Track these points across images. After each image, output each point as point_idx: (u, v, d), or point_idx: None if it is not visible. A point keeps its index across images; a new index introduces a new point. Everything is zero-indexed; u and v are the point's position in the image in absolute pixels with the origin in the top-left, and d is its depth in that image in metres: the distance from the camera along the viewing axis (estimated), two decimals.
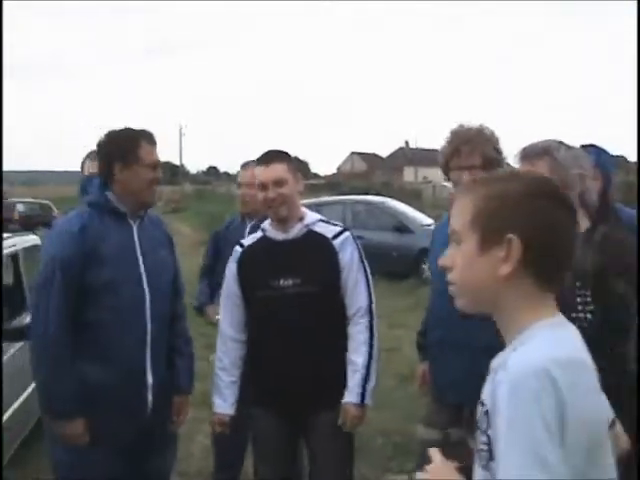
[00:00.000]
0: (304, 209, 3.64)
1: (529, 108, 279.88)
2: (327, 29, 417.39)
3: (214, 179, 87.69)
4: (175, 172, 76.54)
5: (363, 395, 3.46)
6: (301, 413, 3.56)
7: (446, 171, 3.51)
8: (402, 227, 15.78)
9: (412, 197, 28.88)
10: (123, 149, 3.43)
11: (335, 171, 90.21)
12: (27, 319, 5.33)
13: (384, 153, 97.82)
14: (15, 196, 33.62)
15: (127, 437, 3.41)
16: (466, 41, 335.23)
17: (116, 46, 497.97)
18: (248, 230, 4.49)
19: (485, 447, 1.54)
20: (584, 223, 2.97)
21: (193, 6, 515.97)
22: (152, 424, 3.49)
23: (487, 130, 3.47)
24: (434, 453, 1.77)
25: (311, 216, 3.62)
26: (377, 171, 71.64)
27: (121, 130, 3.50)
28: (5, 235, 6.03)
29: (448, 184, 3.61)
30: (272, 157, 3.54)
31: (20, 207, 28.27)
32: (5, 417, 4.65)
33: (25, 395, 5.17)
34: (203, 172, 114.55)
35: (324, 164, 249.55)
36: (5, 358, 4.71)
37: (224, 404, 3.64)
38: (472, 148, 3.38)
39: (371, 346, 3.50)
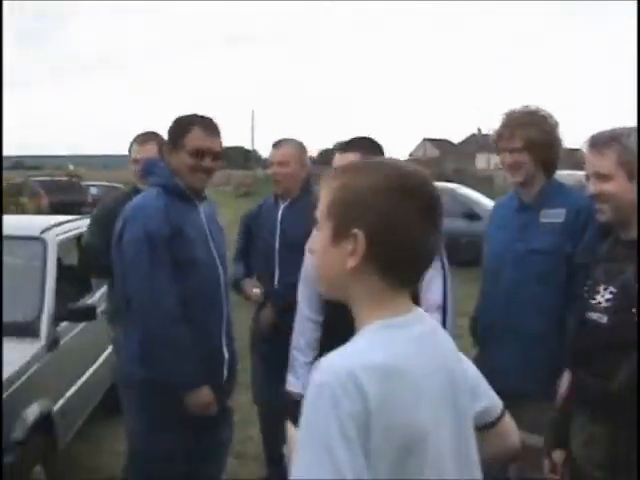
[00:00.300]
0: None
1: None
2: (409, 24, 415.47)
3: None
4: (247, 157, 77.09)
5: None
6: None
7: (498, 153, 3.53)
8: (472, 214, 15.65)
9: (484, 183, 28.54)
10: (173, 134, 3.52)
11: (407, 157, 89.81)
12: (92, 299, 5.49)
13: (456, 139, 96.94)
14: (91, 180, 34.34)
15: None
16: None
17: (197, 34, 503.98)
18: (281, 211, 4.46)
19: None
20: None
21: None
22: (221, 399, 3.60)
23: (535, 113, 3.43)
24: (289, 427, 1.78)
25: None
26: (449, 157, 70.97)
27: (182, 116, 3.55)
28: (72, 217, 6.17)
29: None
30: (350, 146, 3.51)
31: (93, 190, 28.80)
32: (70, 392, 4.78)
33: (91, 371, 5.30)
34: None
35: (396, 150, 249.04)
36: (69, 336, 4.82)
37: (297, 382, 3.61)
38: (512, 131, 3.40)
39: None
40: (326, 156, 61.72)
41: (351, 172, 1.61)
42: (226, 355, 3.62)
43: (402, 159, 2.02)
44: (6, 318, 4.36)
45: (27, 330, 4.33)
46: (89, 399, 5.35)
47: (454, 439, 1.59)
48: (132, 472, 3.63)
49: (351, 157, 3.44)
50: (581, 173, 2.92)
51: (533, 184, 3.44)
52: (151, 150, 4.50)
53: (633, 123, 2.83)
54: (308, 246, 1.59)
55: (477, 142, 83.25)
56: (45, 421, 4.18)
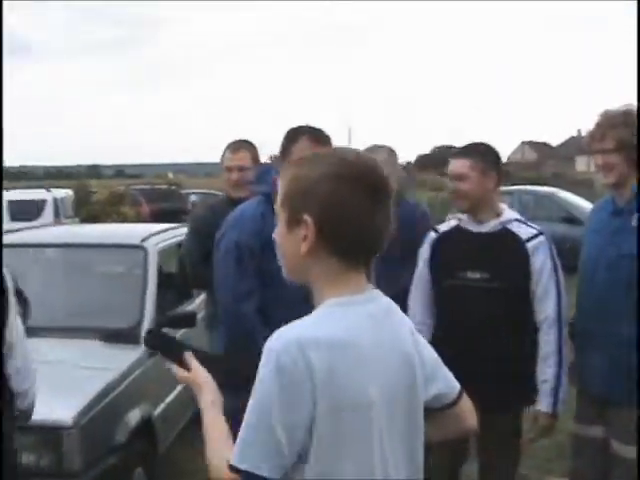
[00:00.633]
0: (504, 206, 3.63)
1: None
2: (514, 25, 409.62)
3: None
4: None
5: (555, 405, 3.42)
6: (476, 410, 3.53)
7: (592, 155, 3.46)
8: (571, 218, 15.28)
9: (583, 187, 27.77)
10: (283, 143, 3.54)
11: (505, 160, 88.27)
12: (191, 306, 5.59)
13: (555, 141, 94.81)
14: (191, 187, 34.95)
15: None
16: None
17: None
18: None
19: None
20: None
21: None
22: None
23: (630, 113, 3.33)
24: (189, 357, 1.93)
25: (508, 214, 3.60)
26: (548, 161, 69.59)
27: (293, 126, 3.58)
28: (172, 225, 6.31)
29: None
30: (461, 152, 3.58)
31: (193, 198, 29.28)
32: (170, 398, 4.89)
33: None
34: None
35: None
36: None
37: None
38: (603, 132, 3.32)
39: (560, 356, 3.43)
40: (423, 161, 61.37)
41: (300, 164, 1.74)
42: None
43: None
44: (108, 325, 4.51)
45: (129, 337, 4.44)
46: (188, 404, 5.43)
47: (405, 415, 1.69)
48: None
49: (466, 163, 3.50)
50: None
51: (626, 186, 3.34)
52: (244, 158, 4.53)
53: None
54: (273, 236, 1.77)
55: (577, 144, 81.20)
56: (146, 425, 4.29)
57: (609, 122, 3.33)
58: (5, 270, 2.11)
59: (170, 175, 51.45)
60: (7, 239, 4.92)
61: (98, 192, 24.42)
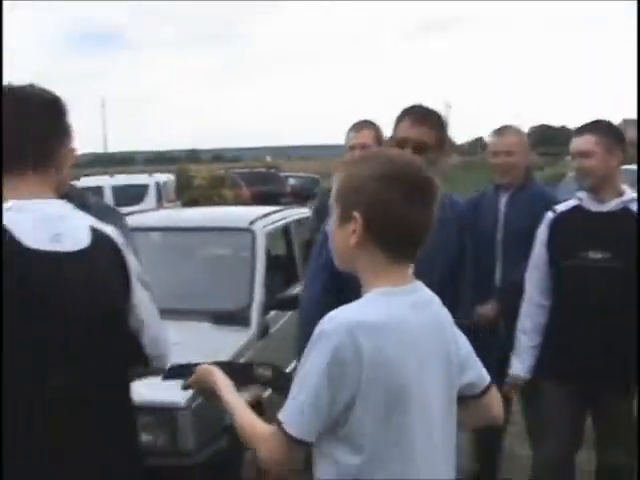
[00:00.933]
0: (625, 186, 3.54)
1: None
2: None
3: (480, 150, 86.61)
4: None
5: None
6: (593, 394, 3.51)
7: None
8: None
9: None
10: (394, 123, 3.48)
11: None
12: (299, 289, 5.58)
13: None
14: (290, 171, 35.17)
15: None
16: None
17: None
18: (505, 201, 4.32)
19: None
20: None
21: None
22: None
23: None
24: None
25: (630, 193, 3.51)
26: None
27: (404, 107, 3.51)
28: (277, 208, 6.33)
29: None
30: (584, 129, 3.51)
31: (291, 181, 29.46)
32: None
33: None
34: (469, 143, 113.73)
35: None
36: (278, 325, 4.93)
37: (520, 366, 3.64)
38: None
39: None
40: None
41: (353, 163, 1.92)
42: None
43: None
44: (218, 307, 4.54)
45: (239, 319, 4.46)
46: None
47: (441, 398, 1.84)
48: None
49: (590, 139, 3.42)
50: None
51: None
52: (367, 136, 4.53)
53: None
54: (326, 230, 2.01)
55: None
56: (256, 407, 4.30)
57: None
58: (133, 252, 2.15)
59: (268, 158, 51.94)
60: (132, 221, 4.93)
61: (198, 176, 24.78)
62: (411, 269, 1.88)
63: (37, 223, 1.91)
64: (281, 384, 2.26)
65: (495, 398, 2.05)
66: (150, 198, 18.60)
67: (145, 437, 3.63)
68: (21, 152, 1.98)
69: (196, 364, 2.20)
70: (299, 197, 24.90)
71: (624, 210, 3.44)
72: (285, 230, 5.91)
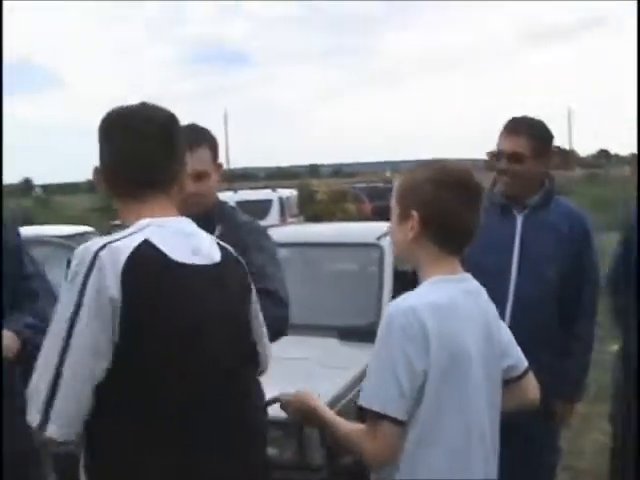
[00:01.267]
0: None
1: None
2: None
3: (605, 162, 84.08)
4: (566, 156, 74.62)
5: None
6: None
7: None
8: None
9: None
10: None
11: None
12: None
13: None
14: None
15: None
16: None
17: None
18: None
19: None
20: None
21: None
22: None
23: None
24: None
25: None
26: None
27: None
28: None
29: None
30: None
31: None
32: None
33: None
34: (593, 155, 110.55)
35: None
36: None
37: None
38: None
39: None
40: None
41: (414, 170, 2.17)
42: None
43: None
44: (345, 322, 4.54)
45: (366, 334, 4.44)
46: None
47: (490, 375, 2.08)
48: None
49: None
50: None
51: None
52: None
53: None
54: (386, 230, 2.27)
55: None
56: None
57: None
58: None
59: (387, 174, 51.92)
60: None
61: (320, 191, 25.06)
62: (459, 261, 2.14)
63: (177, 238, 1.97)
64: None
65: (532, 382, 2.27)
66: (274, 213, 18.90)
67: (273, 451, 3.67)
68: (148, 174, 2.02)
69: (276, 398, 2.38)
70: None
71: None
72: None
